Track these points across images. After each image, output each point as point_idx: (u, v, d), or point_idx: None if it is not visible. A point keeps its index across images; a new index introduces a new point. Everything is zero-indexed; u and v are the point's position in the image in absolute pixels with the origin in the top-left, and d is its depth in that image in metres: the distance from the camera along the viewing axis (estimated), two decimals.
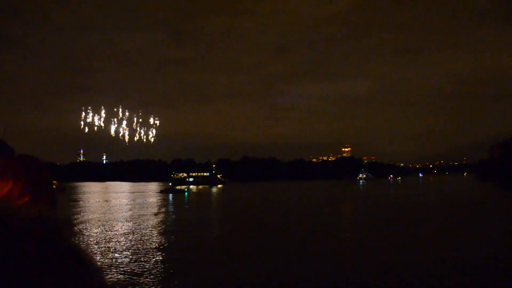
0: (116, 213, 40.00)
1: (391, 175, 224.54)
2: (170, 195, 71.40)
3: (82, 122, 62.14)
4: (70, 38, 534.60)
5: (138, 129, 66.95)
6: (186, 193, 79.05)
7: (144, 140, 67.71)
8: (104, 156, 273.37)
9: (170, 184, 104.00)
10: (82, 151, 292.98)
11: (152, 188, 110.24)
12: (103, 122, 63.96)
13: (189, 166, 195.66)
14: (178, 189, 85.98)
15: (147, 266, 16.65)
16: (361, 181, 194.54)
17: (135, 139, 66.19)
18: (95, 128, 62.46)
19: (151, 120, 68.80)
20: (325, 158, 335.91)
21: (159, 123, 69.22)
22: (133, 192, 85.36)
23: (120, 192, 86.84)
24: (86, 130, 62.71)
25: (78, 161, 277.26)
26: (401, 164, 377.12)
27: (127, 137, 65.60)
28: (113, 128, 64.68)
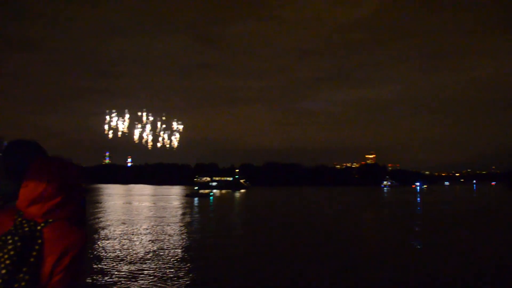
0: (138, 215, 40.09)
1: (417, 183, 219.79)
2: (196, 199, 71.52)
3: (106, 126, 62.46)
4: (95, 41, 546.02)
5: (161, 134, 67.06)
6: (211, 197, 79.07)
7: (168, 146, 67.82)
8: (129, 159, 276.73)
9: (196, 188, 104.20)
10: (107, 153, 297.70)
11: (175, 191, 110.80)
12: (127, 126, 64.19)
13: (212, 170, 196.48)
14: (204, 193, 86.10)
15: (165, 267, 16.42)
16: (385, 188, 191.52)
17: (158, 144, 66.22)
18: (119, 133, 62.69)
19: (174, 125, 68.79)
20: (348, 164, 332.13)
21: (183, 127, 69.23)
22: (156, 195, 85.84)
23: (144, 195, 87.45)
24: (110, 135, 62.95)
25: (103, 163, 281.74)
26: (427, 172, 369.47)
27: (150, 143, 65.78)
28: (137, 133, 64.93)
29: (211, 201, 68.94)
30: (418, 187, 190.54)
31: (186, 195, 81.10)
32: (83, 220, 1.68)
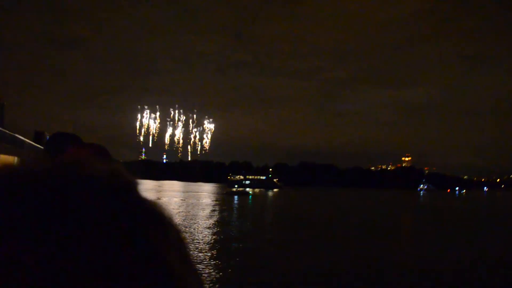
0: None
1: (456, 187, 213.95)
2: (236, 197, 72.19)
3: (137, 124, 63.28)
4: (133, 39, 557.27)
5: (192, 137, 67.40)
6: (250, 196, 79.50)
7: (199, 148, 68.18)
8: (164, 156, 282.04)
9: (236, 186, 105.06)
10: (144, 149, 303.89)
11: (209, 188, 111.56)
12: (158, 128, 64.69)
13: (246, 168, 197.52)
14: (243, 191, 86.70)
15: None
16: (421, 192, 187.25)
17: (189, 148, 66.53)
18: (150, 137, 63.52)
19: (206, 123, 69.28)
20: (384, 166, 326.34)
21: (217, 125, 70.21)
22: (187, 192, 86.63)
23: (178, 191, 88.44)
24: (141, 139, 63.49)
25: (139, 159, 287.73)
26: (465, 177, 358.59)
27: (180, 149, 66.20)
28: (169, 132, 65.32)
29: (250, 200, 69.14)
30: (456, 192, 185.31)
31: (226, 193, 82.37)
32: None
